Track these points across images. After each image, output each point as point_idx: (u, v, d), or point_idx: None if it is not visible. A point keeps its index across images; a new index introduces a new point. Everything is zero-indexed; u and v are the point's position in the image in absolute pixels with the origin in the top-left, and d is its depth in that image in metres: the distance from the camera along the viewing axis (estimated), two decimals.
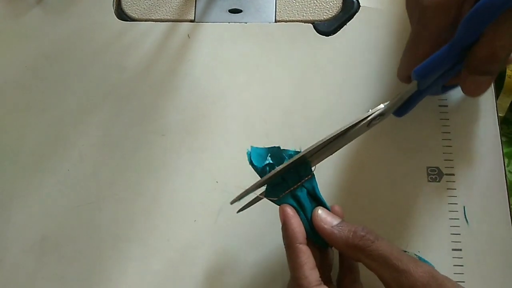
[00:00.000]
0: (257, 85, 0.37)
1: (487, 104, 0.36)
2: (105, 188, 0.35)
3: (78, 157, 0.36)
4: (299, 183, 0.28)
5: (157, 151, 0.36)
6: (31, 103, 0.38)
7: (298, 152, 0.28)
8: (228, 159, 0.35)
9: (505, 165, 0.57)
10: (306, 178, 0.28)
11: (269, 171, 0.28)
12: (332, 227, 0.27)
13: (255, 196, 0.28)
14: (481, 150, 0.35)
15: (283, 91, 0.37)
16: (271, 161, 0.28)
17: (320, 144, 0.27)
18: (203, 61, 0.38)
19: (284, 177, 0.28)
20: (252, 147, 0.29)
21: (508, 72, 0.60)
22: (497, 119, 0.36)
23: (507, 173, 0.58)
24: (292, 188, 0.28)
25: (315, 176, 0.28)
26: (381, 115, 0.28)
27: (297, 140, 0.36)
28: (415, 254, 0.32)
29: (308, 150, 0.27)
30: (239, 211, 0.29)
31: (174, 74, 0.38)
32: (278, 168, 0.27)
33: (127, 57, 0.39)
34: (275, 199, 0.28)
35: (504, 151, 0.58)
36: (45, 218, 0.35)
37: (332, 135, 0.27)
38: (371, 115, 0.27)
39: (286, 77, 0.38)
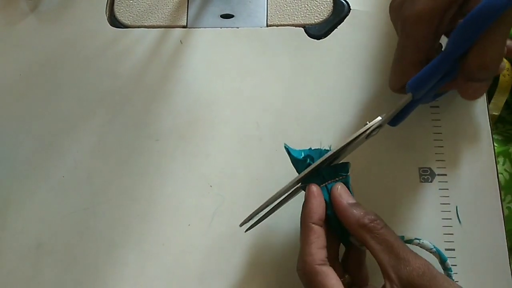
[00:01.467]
0: (250, 89, 0.38)
1: (479, 104, 0.36)
2: (99, 194, 0.35)
3: (73, 163, 0.36)
4: (336, 179, 0.29)
5: (151, 156, 0.36)
6: (26, 111, 0.38)
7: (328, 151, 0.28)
8: (221, 163, 0.36)
9: (497, 164, 0.57)
10: (344, 175, 0.29)
11: (309, 164, 0.28)
12: (347, 203, 0.27)
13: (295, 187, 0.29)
14: (473, 150, 0.35)
15: (275, 94, 0.38)
16: (310, 154, 0.29)
17: (326, 159, 0.28)
18: (196, 66, 0.39)
19: (321, 171, 0.29)
20: (286, 144, 0.30)
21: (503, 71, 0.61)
22: (488, 119, 0.36)
23: (502, 171, 0.58)
24: (327, 182, 0.29)
25: (350, 178, 0.29)
26: (379, 126, 0.28)
27: (290, 143, 0.36)
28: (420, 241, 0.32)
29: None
30: (247, 230, 0.30)
31: (167, 79, 0.38)
32: (318, 162, 0.28)
33: (120, 63, 0.39)
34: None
35: (499, 150, 0.58)
36: (40, 224, 0.35)
37: (334, 151, 0.28)
38: (370, 127, 0.28)
39: (278, 80, 0.38)
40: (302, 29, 0.39)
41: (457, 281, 0.32)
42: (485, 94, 0.37)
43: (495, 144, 0.59)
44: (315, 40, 0.39)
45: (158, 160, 0.36)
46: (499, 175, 0.57)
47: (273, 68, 0.38)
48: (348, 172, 0.29)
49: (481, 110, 0.36)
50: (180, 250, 0.34)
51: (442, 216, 0.33)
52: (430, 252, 0.29)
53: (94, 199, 0.35)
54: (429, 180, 0.34)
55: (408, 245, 0.27)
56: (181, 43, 0.39)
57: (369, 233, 0.26)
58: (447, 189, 0.34)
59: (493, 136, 0.61)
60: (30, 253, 0.34)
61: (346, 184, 0.29)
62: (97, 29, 0.40)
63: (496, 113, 0.61)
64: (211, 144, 0.36)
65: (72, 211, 0.35)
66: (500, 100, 0.62)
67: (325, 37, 0.39)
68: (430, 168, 0.34)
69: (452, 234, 0.33)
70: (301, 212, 0.28)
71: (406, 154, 0.35)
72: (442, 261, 0.29)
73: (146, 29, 0.40)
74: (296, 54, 0.39)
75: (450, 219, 0.33)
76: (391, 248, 0.26)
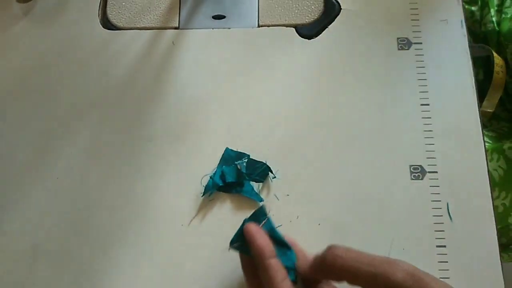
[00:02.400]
0: (242, 90, 0.38)
1: (470, 102, 0.36)
2: (94, 195, 0.36)
3: (67, 165, 0.36)
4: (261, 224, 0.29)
5: (145, 158, 0.36)
6: (20, 113, 0.38)
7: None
8: (215, 163, 0.36)
9: (491, 161, 0.58)
10: (264, 222, 0.29)
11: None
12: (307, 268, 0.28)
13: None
14: (464, 147, 0.35)
15: (267, 94, 0.38)
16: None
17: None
18: (188, 67, 0.39)
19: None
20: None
21: (496, 68, 0.61)
22: (479, 116, 0.36)
23: (496, 168, 0.58)
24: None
25: (271, 219, 0.29)
26: None
27: (282, 142, 0.36)
28: None
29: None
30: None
31: (160, 80, 0.39)
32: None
33: (113, 65, 0.39)
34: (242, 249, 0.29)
35: (493, 146, 0.58)
36: (35, 226, 0.35)
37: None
38: None
39: (270, 81, 0.38)
40: (293, 29, 0.39)
41: (448, 278, 0.32)
42: (475, 90, 0.37)
43: (489, 141, 0.60)
44: (307, 40, 0.39)
45: (152, 161, 0.36)
46: (493, 171, 0.58)
47: (265, 68, 0.39)
48: (266, 215, 0.29)
49: (471, 108, 0.36)
50: (175, 250, 0.34)
51: (433, 213, 0.33)
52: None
53: (89, 201, 0.35)
54: (420, 178, 0.34)
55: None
56: (173, 44, 0.40)
57: (331, 272, 0.26)
58: (438, 186, 0.34)
59: (487, 133, 0.62)
60: (25, 254, 0.34)
61: (271, 228, 0.29)
62: (90, 32, 0.41)
63: (490, 110, 0.61)
64: (204, 145, 0.36)
65: (66, 212, 0.35)
66: (494, 97, 0.62)
67: (316, 36, 0.39)
68: (420, 166, 0.34)
69: (443, 231, 0.33)
70: (252, 253, 0.28)
71: (396, 152, 0.35)
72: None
73: (139, 30, 0.40)
74: (288, 54, 0.39)
75: (441, 216, 0.33)
76: (359, 270, 0.25)
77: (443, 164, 0.34)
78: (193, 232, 0.34)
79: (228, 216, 0.34)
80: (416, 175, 0.34)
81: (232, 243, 0.29)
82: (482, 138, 0.35)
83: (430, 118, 0.36)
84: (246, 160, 0.35)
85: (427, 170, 0.34)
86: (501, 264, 0.32)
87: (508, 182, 0.58)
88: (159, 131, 0.37)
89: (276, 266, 0.27)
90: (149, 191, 0.35)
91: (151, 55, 0.39)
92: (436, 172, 0.34)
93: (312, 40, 0.39)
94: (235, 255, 0.32)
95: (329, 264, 0.26)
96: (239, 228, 0.29)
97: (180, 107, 0.38)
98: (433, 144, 0.35)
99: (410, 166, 0.34)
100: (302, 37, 0.39)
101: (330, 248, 0.26)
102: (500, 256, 0.34)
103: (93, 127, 0.37)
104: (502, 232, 0.64)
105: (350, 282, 0.25)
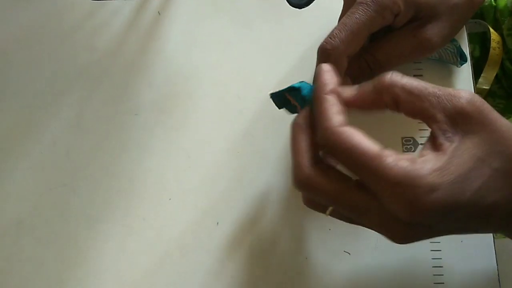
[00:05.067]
0: (230, 62, 0.37)
1: (465, 77, 0.35)
2: (79, 170, 0.35)
3: (51, 139, 0.36)
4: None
5: (131, 131, 0.35)
6: (2, 87, 0.37)
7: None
8: (202, 137, 0.35)
9: None
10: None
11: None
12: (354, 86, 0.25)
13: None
14: None
15: (256, 67, 0.37)
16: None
17: None
18: (175, 38, 0.38)
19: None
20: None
21: (493, 44, 0.60)
22: (473, 87, 0.35)
23: None
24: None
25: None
26: None
27: (273, 116, 0.35)
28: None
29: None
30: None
31: (146, 52, 0.37)
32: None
33: (98, 37, 0.38)
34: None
35: None
36: (20, 201, 0.34)
37: None
38: None
39: (259, 52, 0.37)
40: None
41: (441, 267, 0.31)
42: (470, 67, 0.36)
43: None
44: (297, 9, 0.38)
45: (138, 135, 0.35)
46: None
47: (254, 39, 0.37)
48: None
49: (467, 85, 0.35)
50: (161, 225, 0.33)
51: None
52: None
53: (74, 175, 0.35)
54: (412, 150, 0.33)
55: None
56: (159, 14, 0.38)
57: (395, 89, 0.23)
58: None
59: None
60: (10, 230, 0.34)
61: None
62: (74, 2, 0.39)
63: (487, 87, 0.61)
64: (191, 118, 0.35)
65: (51, 187, 0.34)
66: (490, 74, 0.61)
67: (307, 5, 0.37)
68: (413, 138, 0.34)
69: None
70: (314, 84, 0.26)
71: (388, 124, 0.34)
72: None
73: (124, 0, 0.39)
74: (278, 24, 0.38)
75: None
76: (425, 91, 0.23)
77: None
78: (181, 206, 0.34)
79: (218, 190, 0.34)
80: (409, 147, 0.34)
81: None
82: None
83: None
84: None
85: (420, 142, 0.34)
86: (494, 241, 0.32)
87: None
88: (145, 104, 0.36)
89: (333, 99, 0.24)
90: (136, 165, 0.35)
91: (137, 26, 0.38)
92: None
93: (303, 9, 0.38)
94: (223, 229, 0.32)
95: (392, 80, 0.23)
96: (286, 88, 0.28)
97: (167, 79, 0.37)
98: None
99: (402, 138, 0.34)
100: (293, 6, 0.37)
101: (387, 76, 0.24)
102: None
103: (78, 101, 0.36)
104: None
105: (407, 102, 0.23)
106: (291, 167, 0.25)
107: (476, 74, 0.61)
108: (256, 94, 0.36)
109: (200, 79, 0.36)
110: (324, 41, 0.28)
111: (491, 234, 0.32)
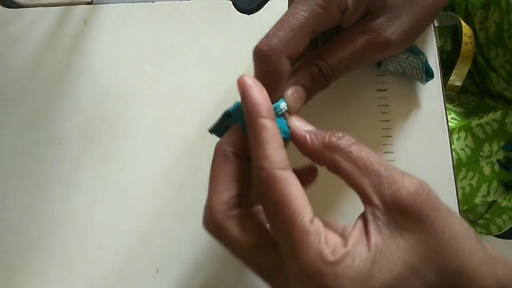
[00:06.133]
0: (170, 77, 0.32)
1: (434, 87, 0.31)
2: None
3: None
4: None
5: (52, 163, 0.30)
6: None
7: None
8: (137, 169, 0.30)
9: (458, 140, 0.54)
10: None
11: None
12: (305, 130, 0.23)
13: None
14: (425, 134, 0.31)
15: (200, 81, 0.32)
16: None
17: None
18: (104, 51, 0.32)
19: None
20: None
21: (465, 38, 0.57)
22: (443, 100, 0.31)
23: (463, 147, 0.55)
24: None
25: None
26: None
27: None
28: None
29: None
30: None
31: (69, 69, 0.32)
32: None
33: (12, 51, 0.33)
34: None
35: (460, 124, 0.55)
36: None
37: None
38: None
39: (203, 65, 0.32)
40: (230, 2, 0.33)
41: None
42: (439, 70, 0.32)
43: (456, 117, 0.56)
44: (245, 15, 0.33)
45: (61, 168, 0.30)
46: (460, 151, 0.55)
47: (197, 50, 0.33)
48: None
49: (435, 95, 0.31)
50: (91, 275, 0.29)
51: None
52: None
53: None
54: (391, 150, 0.30)
55: None
56: (85, 23, 0.33)
57: (338, 152, 0.21)
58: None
59: (455, 108, 0.58)
60: None
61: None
62: None
63: (459, 84, 0.58)
64: (123, 146, 0.31)
65: None
66: (462, 70, 0.58)
67: (256, 11, 0.33)
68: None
69: None
70: (236, 115, 0.23)
71: (367, 119, 0.30)
72: None
73: (43, 8, 0.33)
74: (223, 32, 0.33)
75: None
76: (369, 165, 0.20)
77: (401, 153, 0.30)
78: (114, 252, 0.29)
79: (159, 234, 0.29)
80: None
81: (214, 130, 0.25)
82: (446, 122, 0.31)
83: (387, 105, 0.31)
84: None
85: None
86: None
87: (475, 162, 0.55)
88: (70, 131, 0.31)
89: (273, 128, 0.21)
90: (59, 204, 0.30)
91: (58, 38, 0.33)
92: (393, 160, 0.30)
93: (251, 15, 0.33)
94: (162, 279, 0.28)
95: (338, 144, 0.21)
96: (222, 116, 0.24)
97: (95, 100, 0.31)
98: (390, 128, 0.30)
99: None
100: (240, 11, 0.33)
101: (342, 133, 0.22)
102: None
103: None
104: (468, 212, 0.62)
105: (347, 172, 0.21)
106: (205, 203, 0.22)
107: (448, 69, 0.58)
108: (200, 115, 0.31)
109: (133, 99, 0.32)
110: (259, 42, 0.24)
111: None
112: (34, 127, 0.31)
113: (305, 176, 0.24)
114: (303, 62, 0.25)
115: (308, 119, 0.30)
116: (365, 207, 0.20)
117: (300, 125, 0.23)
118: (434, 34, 0.33)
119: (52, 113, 0.31)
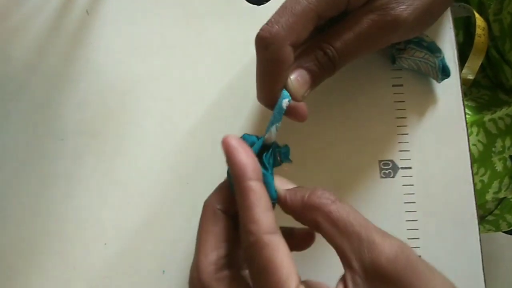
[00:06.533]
0: (176, 71, 0.31)
1: (453, 89, 0.30)
2: None
3: None
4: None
5: (55, 160, 0.29)
6: None
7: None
8: (143, 166, 0.29)
9: (470, 135, 0.53)
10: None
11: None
12: (285, 190, 0.22)
13: None
14: (444, 138, 0.29)
15: (208, 76, 0.31)
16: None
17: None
18: (107, 44, 0.31)
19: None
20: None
21: (478, 31, 0.55)
22: (462, 105, 0.30)
23: (475, 143, 0.54)
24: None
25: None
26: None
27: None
28: None
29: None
30: None
31: (72, 62, 0.31)
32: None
33: (12, 43, 0.31)
34: None
35: (473, 119, 0.54)
36: None
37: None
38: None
39: (212, 58, 0.31)
40: None
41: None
42: (457, 65, 0.31)
43: (468, 112, 0.55)
44: (255, 6, 0.32)
45: (64, 164, 0.29)
46: (472, 147, 0.53)
47: (205, 42, 0.31)
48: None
49: (453, 87, 0.30)
50: (95, 275, 0.28)
51: (407, 217, 0.28)
52: None
53: None
54: (391, 175, 0.28)
55: None
56: (88, 14, 0.32)
57: (318, 212, 0.21)
58: (412, 184, 0.28)
59: (467, 103, 0.57)
60: None
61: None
62: None
63: (471, 77, 0.56)
64: (129, 142, 0.30)
65: None
66: (475, 63, 0.56)
67: (266, 1, 0.31)
68: (392, 161, 0.29)
69: (417, 229, 0.28)
70: (228, 173, 0.22)
71: (365, 146, 0.29)
72: None
73: None
74: (233, 24, 0.31)
75: (416, 220, 0.28)
76: (350, 227, 0.20)
77: (418, 159, 0.29)
78: (119, 252, 0.28)
79: (164, 232, 0.28)
80: (387, 172, 0.28)
81: None
82: (465, 126, 0.29)
83: (403, 102, 0.30)
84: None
85: (399, 165, 0.29)
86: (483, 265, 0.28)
87: (487, 158, 0.54)
88: (73, 126, 0.30)
89: (259, 191, 0.21)
90: (62, 202, 0.29)
91: (60, 29, 0.31)
92: (410, 168, 0.29)
93: (262, 6, 0.32)
94: (168, 280, 0.27)
95: (318, 203, 0.21)
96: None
97: (99, 94, 0.30)
98: (407, 134, 0.29)
99: (380, 161, 0.29)
100: (250, 2, 0.32)
101: (323, 190, 0.21)
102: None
103: None
104: (478, 208, 0.61)
105: (328, 234, 0.21)
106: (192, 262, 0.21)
107: (460, 63, 0.56)
108: (207, 109, 0.30)
109: (138, 93, 0.30)
110: (260, 29, 0.23)
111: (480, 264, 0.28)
112: (35, 122, 0.30)
113: (303, 239, 0.24)
114: (307, 46, 0.24)
115: (322, 117, 0.29)
116: (345, 271, 0.20)
117: (279, 185, 0.23)
118: (451, 28, 0.31)
119: (54, 107, 0.30)
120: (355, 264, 0.20)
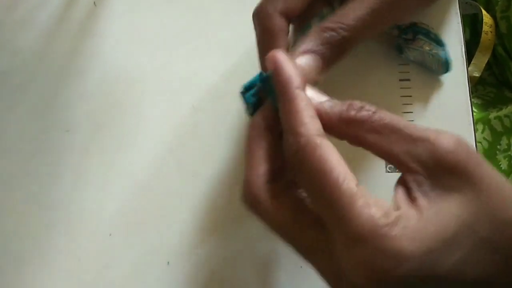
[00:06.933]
0: (183, 63, 0.31)
1: (460, 86, 0.30)
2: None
3: None
4: None
5: (61, 152, 0.30)
6: None
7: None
8: (149, 158, 0.29)
9: (476, 132, 0.53)
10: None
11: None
12: (320, 103, 0.21)
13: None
14: (451, 126, 0.29)
15: (215, 69, 0.31)
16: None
17: None
18: (114, 35, 0.32)
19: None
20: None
21: (485, 28, 0.55)
22: (469, 94, 0.30)
23: (481, 140, 0.54)
24: None
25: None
26: None
27: (238, 130, 0.30)
28: None
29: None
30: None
31: (78, 53, 0.31)
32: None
33: (19, 36, 0.32)
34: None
35: (478, 116, 0.53)
36: None
37: None
38: None
39: (219, 50, 0.31)
40: None
41: None
42: (465, 60, 0.31)
43: (474, 109, 0.54)
44: None
45: (70, 156, 0.29)
46: (478, 144, 0.53)
47: (213, 35, 0.31)
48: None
49: (460, 82, 0.30)
50: (100, 266, 0.28)
51: None
52: None
53: None
54: (397, 170, 0.28)
55: None
56: (95, 5, 0.32)
57: (360, 125, 0.20)
58: None
59: (472, 100, 0.57)
60: None
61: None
62: None
63: (477, 75, 0.56)
64: (135, 134, 0.30)
65: None
66: (481, 60, 0.56)
67: None
68: None
69: None
70: (269, 89, 0.22)
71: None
72: None
73: None
74: (240, 17, 0.31)
75: None
76: (398, 131, 0.19)
77: None
78: (124, 243, 0.28)
79: (169, 224, 0.28)
80: (392, 167, 0.28)
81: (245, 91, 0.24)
82: (472, 122, 0.29)
83: (410, 96, 0.29)
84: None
85: None
86: None
87: (492, 156, 0.53)
88: (79, 118, 0.30)
89: (308, 99, 0.20)
90: (68, 194, 0.29)
91: (67, 21, 0.32)
92: None
93: None
94: (173, 271, 0.27)
95: (359, 117, 0.20)
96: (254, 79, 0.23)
97: (105, 86, 0.31)
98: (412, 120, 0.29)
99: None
100: None
101: (361, 103, 0.20)
102: None
103: None
104: None
105: (374, 144, 0.20)
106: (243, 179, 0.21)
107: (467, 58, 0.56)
108: (215, 103, 0.30)
109: (145, 85, 0.30)
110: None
111: None
112: (41, 114, 0.30)
113: None
114: (316, 27, 0.23)
115: None
116: (404, 175, 0.19)
117: (315, 97, 0.21)
118: (459, 23, 0.31)
119: (61, 99, 0.30)
120: (414, 165, 0.19)
